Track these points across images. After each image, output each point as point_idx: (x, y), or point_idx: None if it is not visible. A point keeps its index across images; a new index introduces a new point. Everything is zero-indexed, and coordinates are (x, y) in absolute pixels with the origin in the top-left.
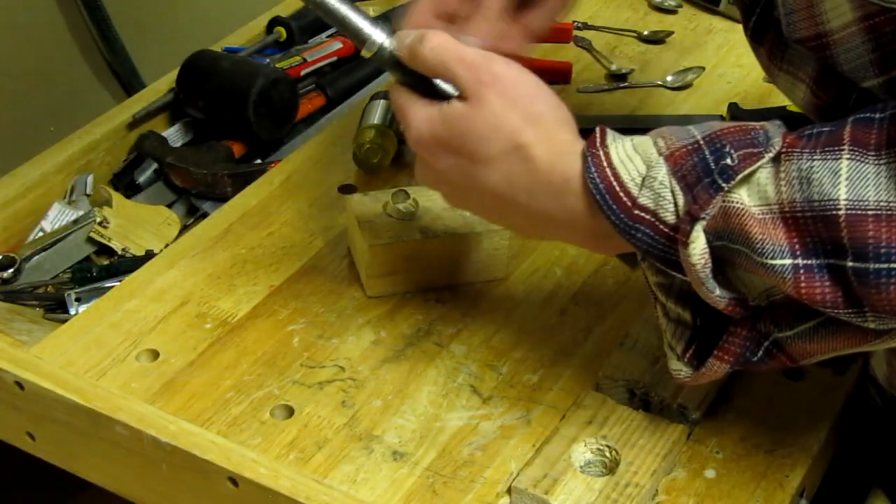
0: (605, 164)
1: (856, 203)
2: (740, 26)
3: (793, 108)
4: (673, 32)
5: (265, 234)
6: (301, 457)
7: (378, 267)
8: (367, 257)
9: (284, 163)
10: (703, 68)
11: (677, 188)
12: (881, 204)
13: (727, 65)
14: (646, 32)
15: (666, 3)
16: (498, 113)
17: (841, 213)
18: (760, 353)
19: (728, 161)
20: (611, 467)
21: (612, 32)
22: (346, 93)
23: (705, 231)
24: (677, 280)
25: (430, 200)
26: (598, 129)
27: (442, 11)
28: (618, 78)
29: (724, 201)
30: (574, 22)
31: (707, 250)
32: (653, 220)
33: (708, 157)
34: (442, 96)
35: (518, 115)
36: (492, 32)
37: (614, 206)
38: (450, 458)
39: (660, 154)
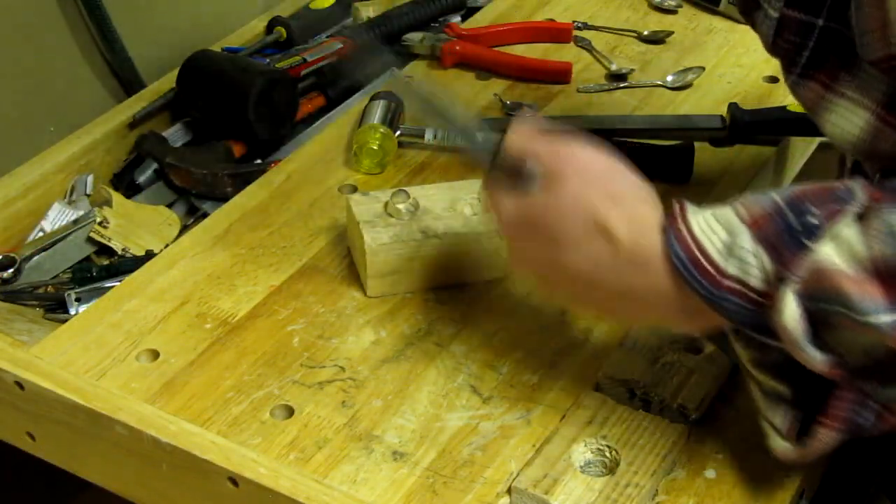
0: (687, 236)
1: None
2: (740, 26)
3: (793, 108)
4: (673, 32)
5: (265, 234)
6: (301, 457)
7: (378, 267)
8: (367, 257)
9: (284, 163)
10: (703, 68)
11: (763, 253)
12: None
13: (727, 65)
14: (646, 32)
15: (666, 3)
16: (577, 195)
17: None
18: (868, 414)
19: (811, 219)
20: (611, 467)
21: (612, 32)
22: (346, 93)
23: (799, 294)
24: (773, 354)
25: (429, 200)
26: (676, 204)
27: None
28: (618, 78)
29: (814, 262)
30: (574, 22)
31: (800, 313)
32: (741, 288)
33: (790, 217)
34: (527, 182)
35: (597, 196)
36: None
37: (700, 279)
38: (450, 458)
39: (741, 221)
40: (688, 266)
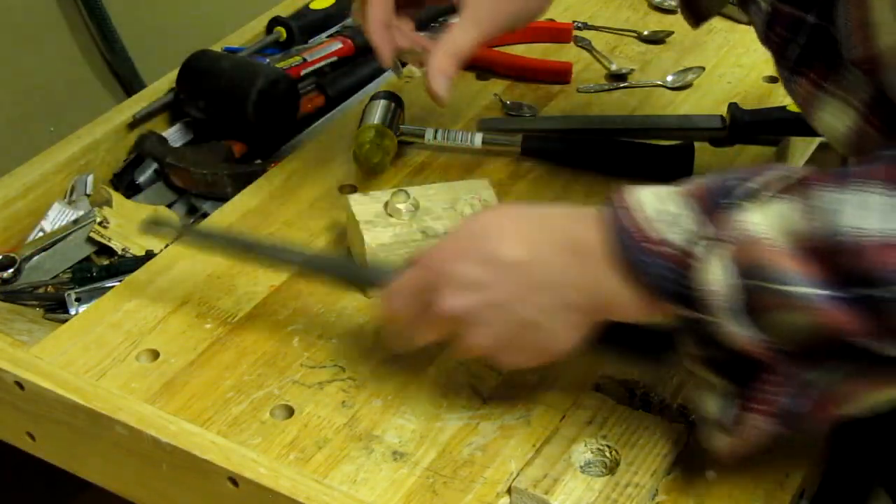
0: (622, 206)
1: (887, 234)
2: (740, 26)
3: (793, 108)
4: (673, 32)
5: (265, 234)
6: (301, 457)
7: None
8: (368, 257)
9: (284, 163)
10: (703, 68)
11: (690, 212)
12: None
13: (727, 65)
14: (646, 32)
15: (666, 3)
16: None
17: (870, 243)
18: (796, 400)
19: (751, 184)
20: (611, 467)
21: (612, 32)
22: (346, 93)
23: (729, 265)
24: (714, 351)
25: (430, 200)
26: (618, 187)
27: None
28: (618, 78)
29: (744, 231)
30: (574, 22)
31: (727, 279)
32: (668, 249)
33: (730, 184)
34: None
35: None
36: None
37: (630, 242)
38: (450, 458)
39: (678, 192)
40: (620, 232)
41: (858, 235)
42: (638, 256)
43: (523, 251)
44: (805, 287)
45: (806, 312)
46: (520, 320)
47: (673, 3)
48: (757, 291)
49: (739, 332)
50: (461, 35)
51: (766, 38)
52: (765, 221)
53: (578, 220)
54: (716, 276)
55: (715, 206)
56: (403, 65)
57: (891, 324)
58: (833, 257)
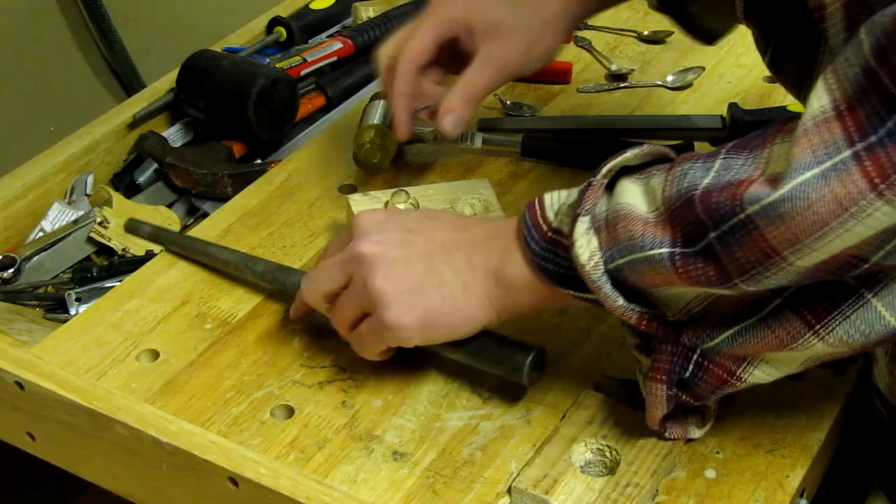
0: (537, 204)
1: (715, 184)
2: (740, 26)
3: (793, 107)
4: (673, 32)
5: (265, 234)
6: (301, 457)
7: None
8: None
9: (284, 163)
10: (703, 68)
11: (575, 198)
12: (734, 179)
13: (727, 65)
14: (646, 32)
15: None
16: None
17: (700, 192)
18: (691, 367)
19: (608, 165)
20: (611, 467)
21: (612, 32)
22: (346, 93)
23: (604, 249)
24: (649, 339)
25: (430, 200)
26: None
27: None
28: (618, 78)
29: (614, 208)
30: None
31: (597, 254)
32: (558, 237)
33: (602, 169)
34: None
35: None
36: (473, 111)
37: (534, 234)
38: (450, 458)
39: (579, 188)
40: (529, 226)
41: (692, 190)
42: (530, 242)
43: (452, 217)
44: (661, 248)
45: (667, 273)
46: (426, 267)
47: None
48: (626, 263)
49: (619, 305)
50: (473, 77)
51: (747, 7)
52: (633, 194)
53: (501, 219)
54: (584, 251)
55: (589, 186)
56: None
57: (732, 259)
58: (679, 217)
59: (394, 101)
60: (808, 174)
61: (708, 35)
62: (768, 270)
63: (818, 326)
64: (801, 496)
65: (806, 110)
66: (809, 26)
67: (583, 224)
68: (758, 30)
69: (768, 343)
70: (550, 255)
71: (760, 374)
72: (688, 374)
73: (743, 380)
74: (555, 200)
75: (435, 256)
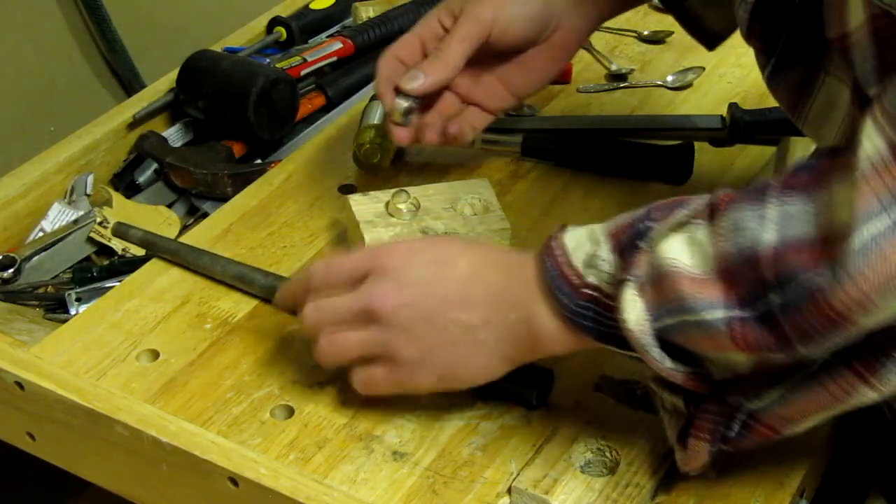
0: (557, 251)
1: (783, 241)
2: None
3: None
4: (673, 32)
5: (265, 234)
6: (301, 457)
7: None
8: None
9: (284, 163)
10: (703, 68)
11: (614, 259)
12: (804, 235)
13: (727, 65)
14: (646, 32)
15: None
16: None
17: (764, 253)
18: (737, 427)
19: (649, 223)
20: (611, 467)
21: (612, 32)
22: (346, 93)
23: (650, 309)
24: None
25: (430, 200)
26: (557, 226)
27: (408, 55)
28: (618, 78)
29: (658, 265)
30: None
31: (643, 318)
32: (597, 294)
33: (641, 224)
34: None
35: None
36: (444, 76)
37: (564, 288)
38: (450, 458)
39: (605, 233)
40: (555, 278)
41: (755, 248)
42: (572, 300)
43: (468, 265)
44: (715, 312)
45: (721, 339)
46: (445, 323)
47: None
48: (675, 324)
49: (663, 366)
50: (450, 35)
51: (751, 30)
52: (678, 250)
53: (519, 258)
54: (631, 316)
55: (627, 248)
56: (408, 112)
57: (795, 325)
58: (735, 276)
59: (377, 83)
60: (881, 225)
61: (708, 36)
62: (833, 334)
63: (871, 377)
64: (801, 496)
65: (859, 151)
66: (811, 56)
67: (630, 289)
68: (760, 52)
69: (821, 401)
70: (590, 312)
71: (804, 427)
72: (733, 434)
73: (786, 434)
74: (578, 246)
75: (451, 312)
